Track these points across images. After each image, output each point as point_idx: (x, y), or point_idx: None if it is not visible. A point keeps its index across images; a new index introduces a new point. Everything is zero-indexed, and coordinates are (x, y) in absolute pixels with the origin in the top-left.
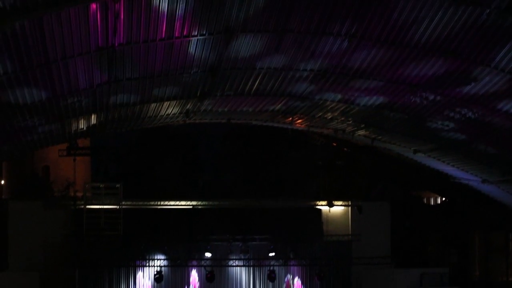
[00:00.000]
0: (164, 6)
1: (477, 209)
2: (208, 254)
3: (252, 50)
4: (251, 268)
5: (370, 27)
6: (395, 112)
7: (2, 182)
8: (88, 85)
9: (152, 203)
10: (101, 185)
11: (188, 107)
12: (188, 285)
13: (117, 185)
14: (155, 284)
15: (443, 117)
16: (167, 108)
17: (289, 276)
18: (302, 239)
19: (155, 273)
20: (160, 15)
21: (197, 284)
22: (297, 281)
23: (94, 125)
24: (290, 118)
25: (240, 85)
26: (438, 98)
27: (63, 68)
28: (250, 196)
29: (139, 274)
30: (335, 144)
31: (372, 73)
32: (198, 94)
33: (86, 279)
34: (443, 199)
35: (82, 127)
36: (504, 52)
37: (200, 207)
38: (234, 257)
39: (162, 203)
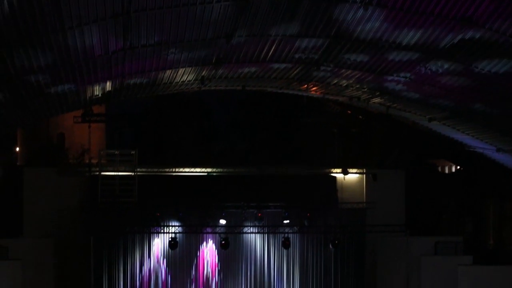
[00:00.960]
0: None
1: (491, 178)
2: (222, 221)
3: (268, 17)
4: (266, 235)
5: None
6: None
7: (17, 149)
8: (103, 52)
9: (167, 169)
10: (116, 152)
11: (203, 74)
12: (203, 251)
13: (132, 152)
14: (170, 250)
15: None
16: (182, 75)
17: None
18: (316, 206)
19: (170, 239)
20: None
21: (212, 251)
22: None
23: (109, 92)
24: (305, 86)
25: (255, 51)
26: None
27: (78, 34)
28: (264, 163)
29: (154, 241)
30: (349, 112)
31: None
32: (213, 61)
33: (100, 246)
34: (458, 167)
35: (97, 93)
36: None
37: (214, 174)
38: (249, 224)
39: (177, 169)
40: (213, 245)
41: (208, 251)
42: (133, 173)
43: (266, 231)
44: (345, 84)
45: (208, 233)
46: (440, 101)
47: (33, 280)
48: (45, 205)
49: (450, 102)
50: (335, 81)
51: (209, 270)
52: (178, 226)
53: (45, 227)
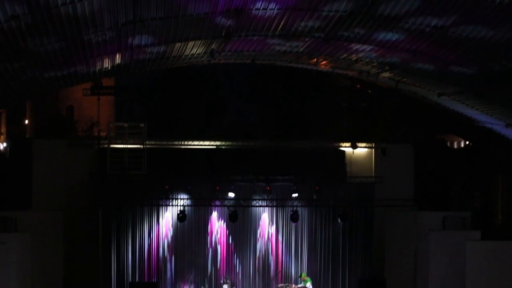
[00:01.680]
0: None
1: (500, 153)
2: (231, 194)
3: None
4: (274, 208)
5: None
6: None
7: (26, 121)
8: (113, 24)
9: (176, 142)
10: (125, 125)
11: (213, 47)
12: (211, 224)
13: (141, 125)
14: (178, 223)
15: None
16: (192, 48)
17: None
18: (325, 180)
19: (178, 212)
20: None
21: (220, 224)
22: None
23: (118, 64)
24: (315, 60)
25: (264, 25)
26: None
27: (87, 6)
28: (273, 137)
29: (162, 213)
30: (358, 86)
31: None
32: (223, 35)
33: (109, 218)
34: (467, 142)
35: (107, 66)
36: None
37: (223, 147)
38: (257, 198)
39: (186, 143)
40: (222, 218)
41: (217, 224)
42: (142, 146)
43: (274, 204)
44: (354, 59)
45: (217, 206)
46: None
47: (42, 252)
48: (54, 177)
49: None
50: (345, 56)
51: (217, 242)
52: (187, 199)
53: (54, 199)
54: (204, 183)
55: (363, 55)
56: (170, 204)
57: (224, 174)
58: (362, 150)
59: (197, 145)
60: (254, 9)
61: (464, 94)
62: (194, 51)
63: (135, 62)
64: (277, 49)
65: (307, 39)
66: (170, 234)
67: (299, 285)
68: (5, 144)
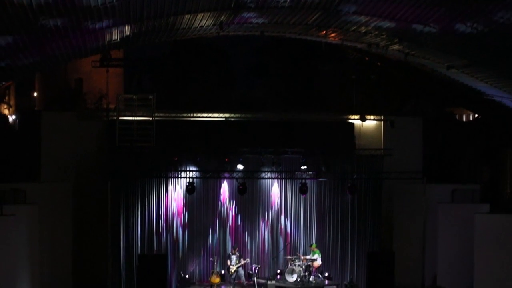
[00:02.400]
0: None
1: (509, 126)
2: (240, 166)
3: None
4: (283, 181)
5: None
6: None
7: (35, 94)
8: None
9: (185, 114)
10: (134, 97)
11: (221, 19)
12: (220, 196)
13: (150, 97)
14: (187, 195)
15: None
16: (201, 20)
17: (321, 188)
18: (334, 153)
19: (187, 184)
20: None
21: (229, 196)
22: (328, 195)
23: (127, 36)
24: (324, 32)
25: None
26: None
27: None
28: (282, 109)
29: (171, 185)
30: (367, 59)
31: None
32: (232, 6)
33: (118, 190)
34: (476, 116)
35: (116, 38)
36: None
37: (232, 119)
38: (266, 170)
39: (194, 115)
40: (230, 190)
41: (225, 196)
42: (151, 118)
43: (283, 176)
44: (363, 31)
45: (225, 178)
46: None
47: (50, 224)
48: (62, 149)
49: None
50: (354, 28)
51: (226, 215)
52: (195, 171)
53: (63, 171)
54: (213, 155)
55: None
56: (179, 176)
57: (233, 146)
58: (371, 123)
59: (206, 117)
60: None
61: (473, 67)
62: (203, 23)
63: (144, 34)
64: (286, 21)
65: (316, 11)
66: (178, 206)
67: (308, 257)
68: (14, 117)
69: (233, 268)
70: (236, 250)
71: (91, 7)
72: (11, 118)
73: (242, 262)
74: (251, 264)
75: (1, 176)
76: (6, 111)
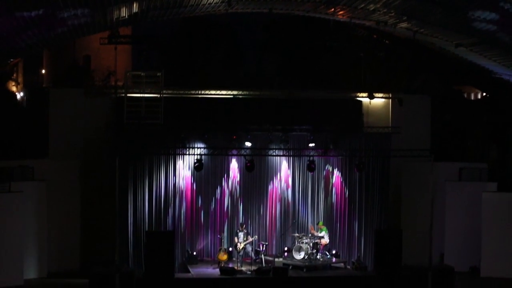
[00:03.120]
0: None
1: None
2: (248, 144)
3: None
4: (291, 158)
5: None
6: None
7: (43, 71)
8: None
9: (193, 92)
10: (142, 74)
11: None
12: (228, 173)
13: (158, 74)
14: (195, 172)
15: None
16: None
17: (329, 167)
18: (342, 130)
19: (195, 161)
20: None
21: (237, 173)
22: (336, 172)
23: (135, 13)
24: (332, 9)
25: None
26: None
27: None
28: (291, 87)
29: (179, 162)
30: (376, 37)
31: None
32: None
33: (126, 167)
34: (484, 94)
35: (124, 15)
36: None
37: (240, 96)
38: (274, 147)
39: (202, 92)
40: (238, 167)
41: (233, 173)
42: (159, 95)
43: (291, 154)
44: (372, 8)
45: (234, 155)
46: None
47: (58, 200)
48: (70, 126)
49: None
50: (362, 5)
51: (234, 191)
52: (203, 148)
53: (71, 148)
54: (221, 132)
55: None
56: (187, 153)
57: (241, 123)
58: (379, 101)
59: (214, 94)
60: None
61: (481, 45)
62: (211, 0)
63: (152, 10)
64: None
65: None
66: (186, 183)
67: (315, 233)
68: (22, 94)
69: (240, 246)
70: (244, 227)
71: None
72: (19, 95)
73: (250, 239)
74: (259, 241)
75: (9, 153)
76: (14, 88)
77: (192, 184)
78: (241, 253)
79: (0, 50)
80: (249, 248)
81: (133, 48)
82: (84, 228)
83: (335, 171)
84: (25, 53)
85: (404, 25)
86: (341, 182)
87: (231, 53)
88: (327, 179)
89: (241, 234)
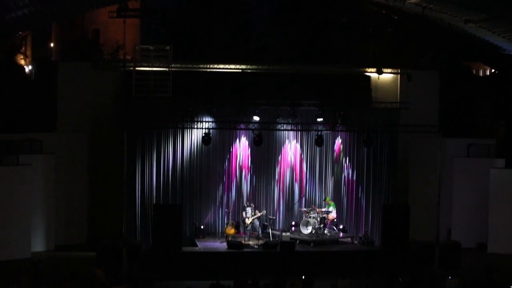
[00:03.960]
0: None
1: None
2: (256, 118)
3: None
4: (299, 132)
5: None
6: None
7: (52, 44)
8: None
9: (202, 65)
10: (150, 47)
11: None
12: (236, 148)
13: (166, 47)
14: (203, 146)
15: None
16: None
17: (337, 142)
18: (350, 105)
19: (203, 135)
20: None
21: (245, 147)
22: (344, 147)
23: None
24: None
25: None
26: None
27: None
28: (299, 61)
29: (187, 136)
30: (384, 12)
31: None
32: None
33: (134, 140)
34: (493, 70)
35: None
36: None
37: (249, 71)
38: (282, 122)
39: (211, 66)
40: (246, 141)
41: (241, 147)
42: (167, 69)
43: (299, 128)
44: None
45: (241, 129)
46: None
47: (66, 173)
48: (79, 100)
49: None
50: None
51: (241, 166)
52: (211, 121)
53: (79, 121)
54: (229, 106)
55: None
56: (195, 127)
57: (249, 97)
58: (387, 76)
59: (223, 68)
60: None
61: (490, 22)
62: None
63: None
64: None
65: None
66: (194, 156)
67: (323, 209)
68: (30, 67)
69: (248, 220)
70: (252, 202)
71: None
72: (28, 68)
73: (258, 214)
74: (266, 215)
75: (18, 126)
76: (22, 62)
77: (200, 158)
78: (249, 228)
79: (10, 21)
80: (257, 223)
81: (142, 21)
82: (91, 201)
83: (343, 146)
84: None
85: (413, 0)
86: (349, 157)
87: (240, 28)
88: (335, 154)
89: (249, 209)
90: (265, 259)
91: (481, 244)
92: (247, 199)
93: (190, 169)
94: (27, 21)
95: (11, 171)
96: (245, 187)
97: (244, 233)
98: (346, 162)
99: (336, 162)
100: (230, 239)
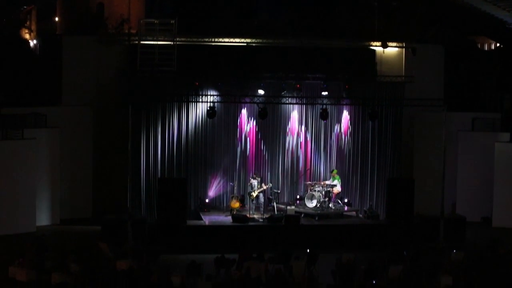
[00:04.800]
0: None
1: None
2: (261, 91)
3: None
4: (304, 106)
5: None
6: None
7: (56, 18)
8: None
9: (206, 39)
10: (155, 21)
11: None
12: (240, 121)
13: (171, 21)
14: (208, 119)
15: None
16: None
17: (342, 115)
18: (355, 79)
19: (208, 108)
20: None
21: (249, 121)
22: (349, 121)
23: None
24: None
25: None
26: None
27: None
28: (304, 35)
29: (192, 109)
30: None
31: None
32: None
33: (138, 114)
34: (497, 45)
35: None
36: None
37: (254, 44)
38: (287, 95)
39: (216, 39)
40: (251, 115)
41: (246, 121)
42: (172, 43)
43: (304, 102)
44: None
45: (246, 102)
46: None
47: (71, 147)
48: (83, 74)
49: None
50: None
51: (246, 139)
52: (216, 95)
53: (84, 95)
54: (234, 80)
55: None
56: (200, 100)
57: (254, 71)
58: (392, 50)
59: (228, 42)
60: None
61: None
62: None
63: None
64: None
65: None
66: (199, 130)
67: (328, 182)
68: (35, 41)
69: (254, 193)
70: (258, 175)
71: None
72: (32, 42)
73: (264, 187)
74: (272, 189)
75: (22, 100)
76: (27, 36)
77: (205, 131)
78: (255, 201)
79: None
80: (261, 198)
81: None
82: (96, 175)
83: (348, 119)
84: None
85: None
86: (354, 131)
87: (245, 1)
88: (340, 128)
89: (255, 182)
90: (269, 232)
91: (486, 218)
92: (254, 172)
93: (195, 143)
94: None
95: (16, 145)
96: (250, 160)
97: (249, 207)
98: (351, 136)
99: (341, 136)
100: (235, 212)
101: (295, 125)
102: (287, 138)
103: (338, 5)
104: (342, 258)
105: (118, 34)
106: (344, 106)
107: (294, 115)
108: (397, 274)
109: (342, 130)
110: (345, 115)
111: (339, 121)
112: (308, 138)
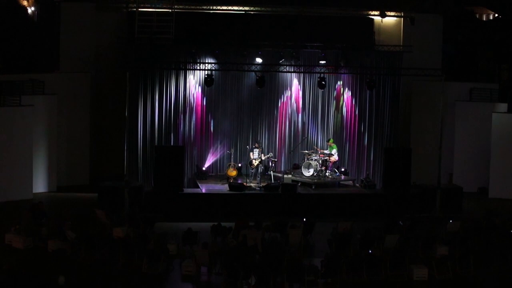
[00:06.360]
0: None
1: None
2: (258, 60)
3: None
4: (301, 75)
5: None
6: None
7: None
8: None
9: (205, 7)
10: None
11: None
12: (238, 89)
13: None
14: (205, 87)
15: None
16: None
17: (339, 84)
18: (353, 48)
19: (205, 76)
20: None
21: (247, 89)
22: (346, 90)
23: None
24: None
25: None
26: None
27: None
28: (302, 4)
29: (189, 77)
30: None
31: None
32: None
33: (136, 81)
34: (496, 15)
35: None
36: None
37: (252, 12)
38: (285, 64)
39: (214, 7)
40: (248, 83)
41: (243, 89)
42: (170, 10)
43: (302, 70)
44: None
45: (244, 70)
46: None
47: (68, 114)
48: (81, 40)
49: None
50: None
51: (244, 107)
52: (214, 63)
53: (82, 62)
54: (232, 48)
55: None
56: (198, 68)
57: (252, 39)
58: (390, 19)
59: (226, 10)
60: None
61: None
62: None
63: None
64: None
65: None
66: (196, 98)
67: (325, 151)
68: (33, 8)
69: (255, 162)
70: (259, 143)
71: None
72: (30, 9)
73: (266, 156)
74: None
75: (20, 67)
76: (25, 2)
77: (202, 100)
78: (254, 170)
79: None
80: (261, 167)
81: None
82: (93, 142)
83: (346, 89)
84: None
85: None
86: (351, 100)
87: None
88: (337, 97)
89: (256, 151)
90: (266, 201)
91: (482, 189)
92: (256, 141)
93: (192, 111)
94: None
95: (13, 111)
96: (248, 129)
97: (250, 175)
98: (348, 105)
99: (338, 105)
100: (231, 181)
101: (292, 94)
102: (285, 107)
103: None
104: (338, 227)
105: (116, 1)
106: (341, 75)
107: (292, 83)
108: (393, 243)
109: (340, 99)
110: (343, 84)
111: (337, 90)
112: (306, 107)
